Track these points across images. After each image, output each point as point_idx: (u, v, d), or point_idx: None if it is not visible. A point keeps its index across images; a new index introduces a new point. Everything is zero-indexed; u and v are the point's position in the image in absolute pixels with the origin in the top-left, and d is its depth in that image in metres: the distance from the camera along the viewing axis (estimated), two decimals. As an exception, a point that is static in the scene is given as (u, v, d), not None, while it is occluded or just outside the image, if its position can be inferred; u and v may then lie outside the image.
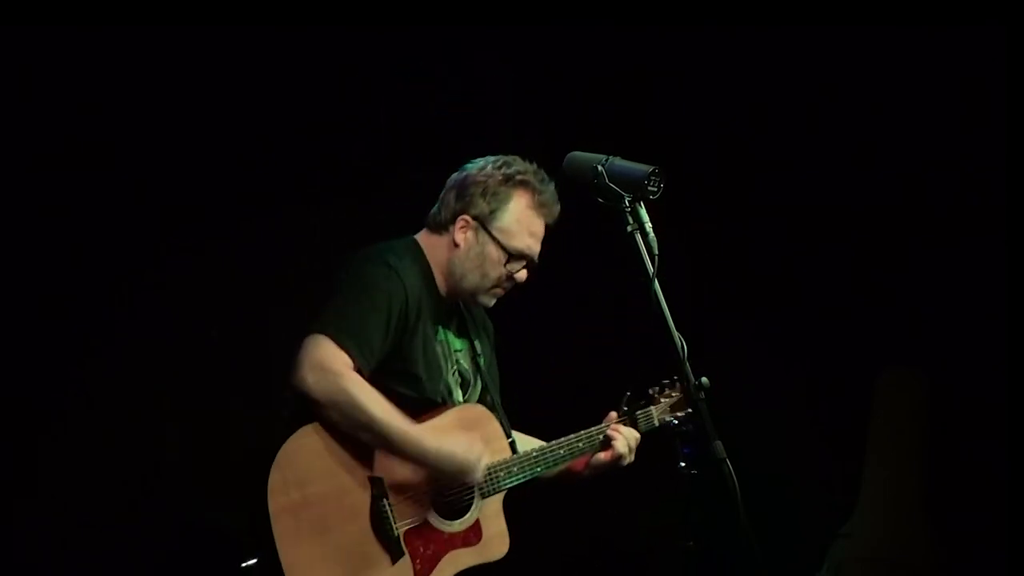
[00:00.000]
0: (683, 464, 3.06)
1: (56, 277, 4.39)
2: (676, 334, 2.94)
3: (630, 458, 3.55)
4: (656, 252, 2.94)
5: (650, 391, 3.66)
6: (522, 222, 3.42)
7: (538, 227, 3.45)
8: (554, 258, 3.55)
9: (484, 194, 3.40)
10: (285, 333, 3.40)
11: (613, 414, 3.59)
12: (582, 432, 3.54)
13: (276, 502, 3.09)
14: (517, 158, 3.48)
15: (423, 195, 3.83)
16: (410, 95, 3.83)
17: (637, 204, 2.99)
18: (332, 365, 3.14)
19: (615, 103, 5.11)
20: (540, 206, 3.44)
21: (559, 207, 3.46)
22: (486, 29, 4.89)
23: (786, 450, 5.17)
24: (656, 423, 3.61)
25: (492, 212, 3.40)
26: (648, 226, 2.97)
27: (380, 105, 4.75)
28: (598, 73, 5.12)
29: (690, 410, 3.48)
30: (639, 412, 3.59)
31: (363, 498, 3.19)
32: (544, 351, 4.95)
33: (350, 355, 3.17)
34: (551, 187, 3.44)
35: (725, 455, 2.87)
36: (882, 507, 5.18)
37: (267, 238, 4.60)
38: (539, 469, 3.46)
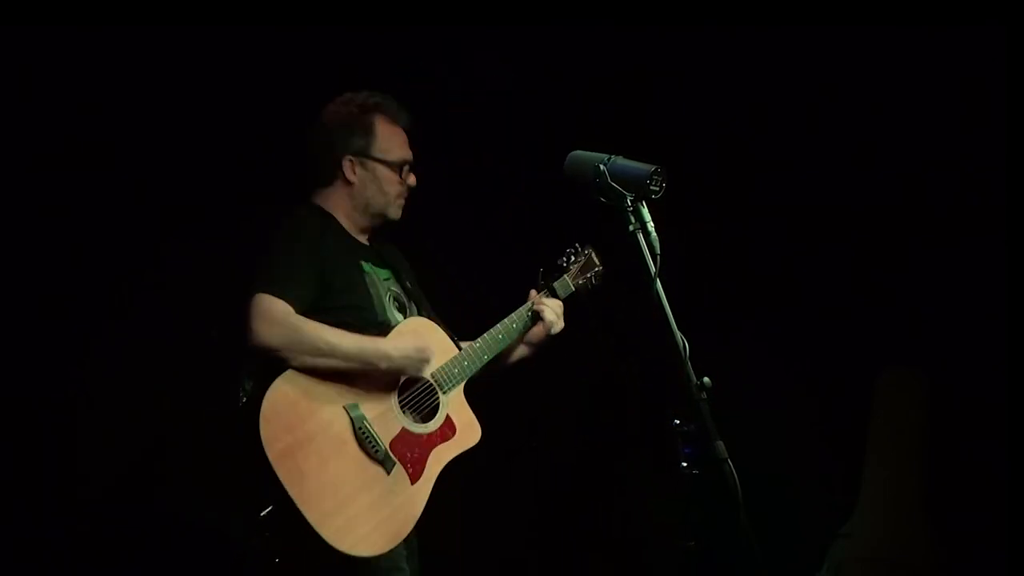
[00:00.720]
0: (684, 464, 3.05)
1: (56, 277, 4.39)
2: (678, 334, 2.94)
3: (560, 324, 3.94)
4: (658, 252, 2.96)
5: (559, 262, 4.06)
6: (391, 139, 3.79)
7: (402, 136, 3.83)
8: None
9: (353, 132, 3.76)
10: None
11: (533, 291, 3.98)
12: (512, 314, 3.90)
13: (273, 450, 3.37)
14: (349, 93, 3.84)
15: (423, 194, 3.84)
16: (410, 95, 3.85)
17: (639, 204, 3.00)
18: (276, 314, 3.45)
19: (615, 103, 5.10)
20: (395, 119, 3.82)
21: (406, 111, 3.85)
22: (486, 29, 4.89)
23: (786, 450, 5.16)
24: (572, 288, 4.04)
25: (367, 143, 3.75)
26: (650, 226, 2.99)
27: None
28: (598, 73, 5.11)
29: (599, 268, 4.08)
30: (555, 283, 4.01)
31: (345, 426, 3.50)
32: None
33: (287, 300, 3.47)
34: (392, 99, 3.83)
35: (727, 455, 2.88)
36: (882, 507, 5.17)
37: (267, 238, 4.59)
38: (486, 357, 3.80)
